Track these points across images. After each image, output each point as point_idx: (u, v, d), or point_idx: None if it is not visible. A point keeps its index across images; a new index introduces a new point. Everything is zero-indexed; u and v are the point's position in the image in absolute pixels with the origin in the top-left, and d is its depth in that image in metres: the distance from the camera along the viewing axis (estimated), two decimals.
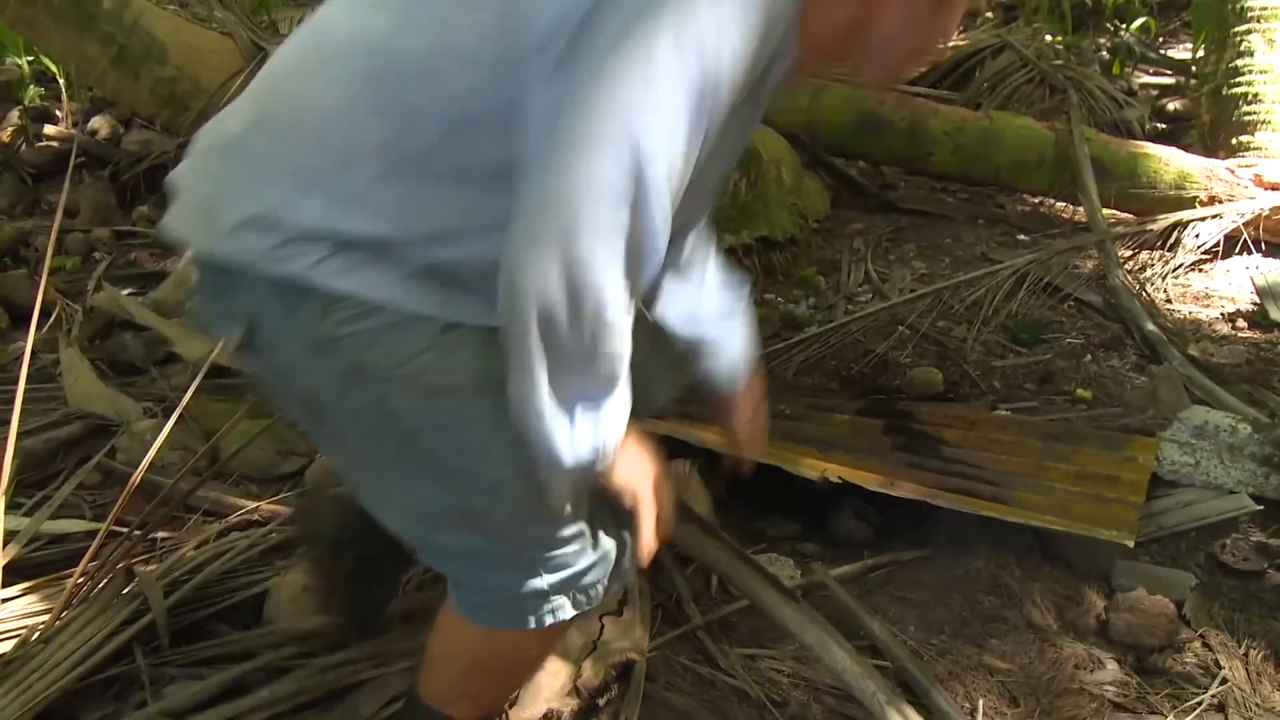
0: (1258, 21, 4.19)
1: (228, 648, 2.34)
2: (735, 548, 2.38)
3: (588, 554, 1.54)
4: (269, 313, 1.34)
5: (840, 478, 2.64)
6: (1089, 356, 3.55)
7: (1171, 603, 2.42)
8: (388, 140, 1.28)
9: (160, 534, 2.73)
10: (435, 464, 1.42)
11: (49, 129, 5.46)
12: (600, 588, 1.60)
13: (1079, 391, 3.33)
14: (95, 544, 2.44)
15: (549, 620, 1.55)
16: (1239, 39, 4.25)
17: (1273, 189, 4.07)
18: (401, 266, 1.29)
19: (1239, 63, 4.25)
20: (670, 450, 2.84)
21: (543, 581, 1.51)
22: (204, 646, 2.33)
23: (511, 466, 1.37)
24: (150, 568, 2.49)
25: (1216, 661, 2.31)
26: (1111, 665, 2.30)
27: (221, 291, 1.38)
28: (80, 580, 2.36)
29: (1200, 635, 2.40)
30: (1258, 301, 3.86)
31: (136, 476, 2.57)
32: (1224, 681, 2.24)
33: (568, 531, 1.49)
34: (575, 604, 1.57)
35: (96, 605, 2.29)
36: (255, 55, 4.87)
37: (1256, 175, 4.10)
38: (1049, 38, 6.36)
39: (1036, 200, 4.71)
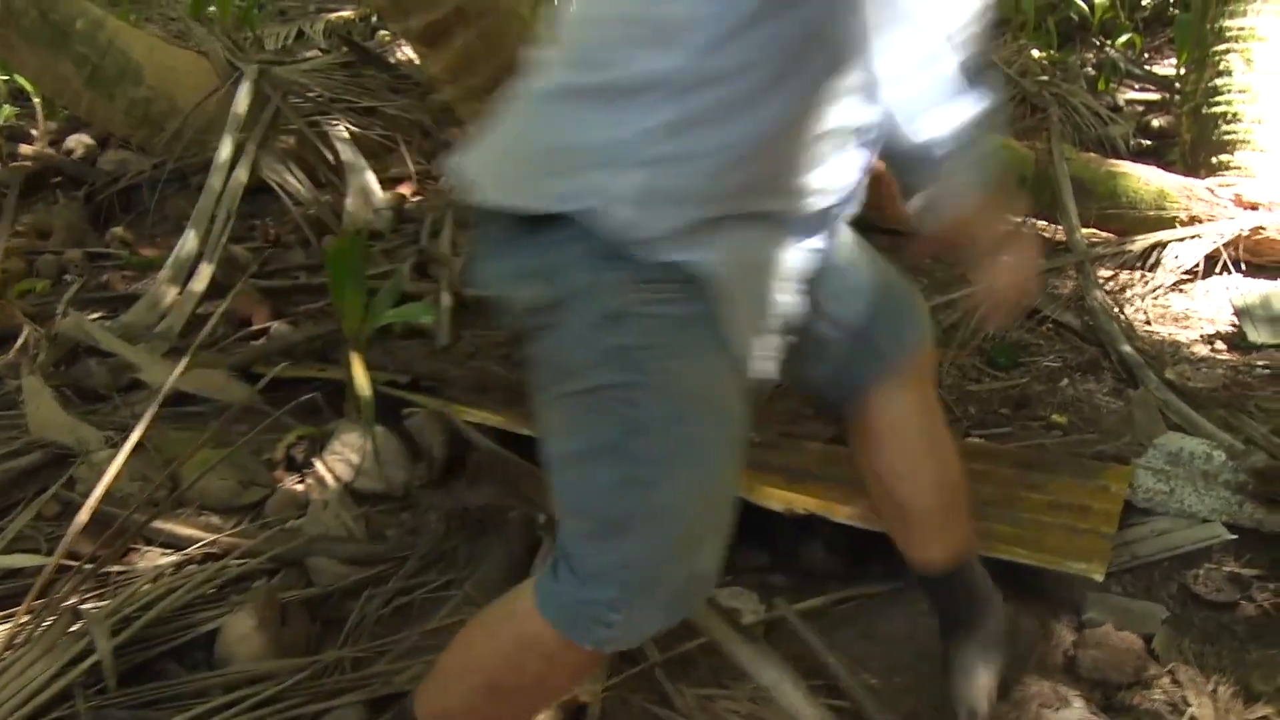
0: (1236, 41, 4.16)
1: (176, 689, 2.30)
2: None
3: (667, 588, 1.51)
4: (574, 275, 1.32)
5: (806, 510, 2.59)
6: (1066, 380, 3.51)
7: (1140, 638, 2.38)
8: None
9: (115, 568, 2.69)
10: (642, 458, 1.41)
11: (24, 148, 5.43)
12: (644, 630, 1.60)
13: (1054, 417, 3.28)
14: (41, 580, 2.39)
15: (598, 641, 1.53)
16: (1218, 58, 4.22)
17: (1252, 209, 4.02)
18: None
19: (1218, 82, 4.22)
20: None
21: (618, 594, 1.48)
22: (151, 688, 2.28)
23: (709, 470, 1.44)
24: (99, 606, 2.44)
25: (1185, 699, 2.26)
26: (1078, 703, 2.24)
27: (526, 250, 1.35)
28: (25, 619, 2.32)
29: (1169, 671, 2.35)
30: (1236, 323, 3.82)
31: (86, 509, 2.52)
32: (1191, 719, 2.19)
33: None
34: (624, 635, 1.56)
35: (40, 646, 2.25)
36: (231, 75, 4.83)
37: (1236, 195, 4.06)
38: (1035, 54, 6.33)
39: (1018, 220, 4.66)
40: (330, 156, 4.84)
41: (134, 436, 2.68)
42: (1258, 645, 2.45)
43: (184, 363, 3.31)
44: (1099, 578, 2.38)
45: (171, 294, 4.09)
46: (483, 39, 2.84)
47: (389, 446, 3.01)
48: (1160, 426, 3.11)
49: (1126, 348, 3.50)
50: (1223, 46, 4.19)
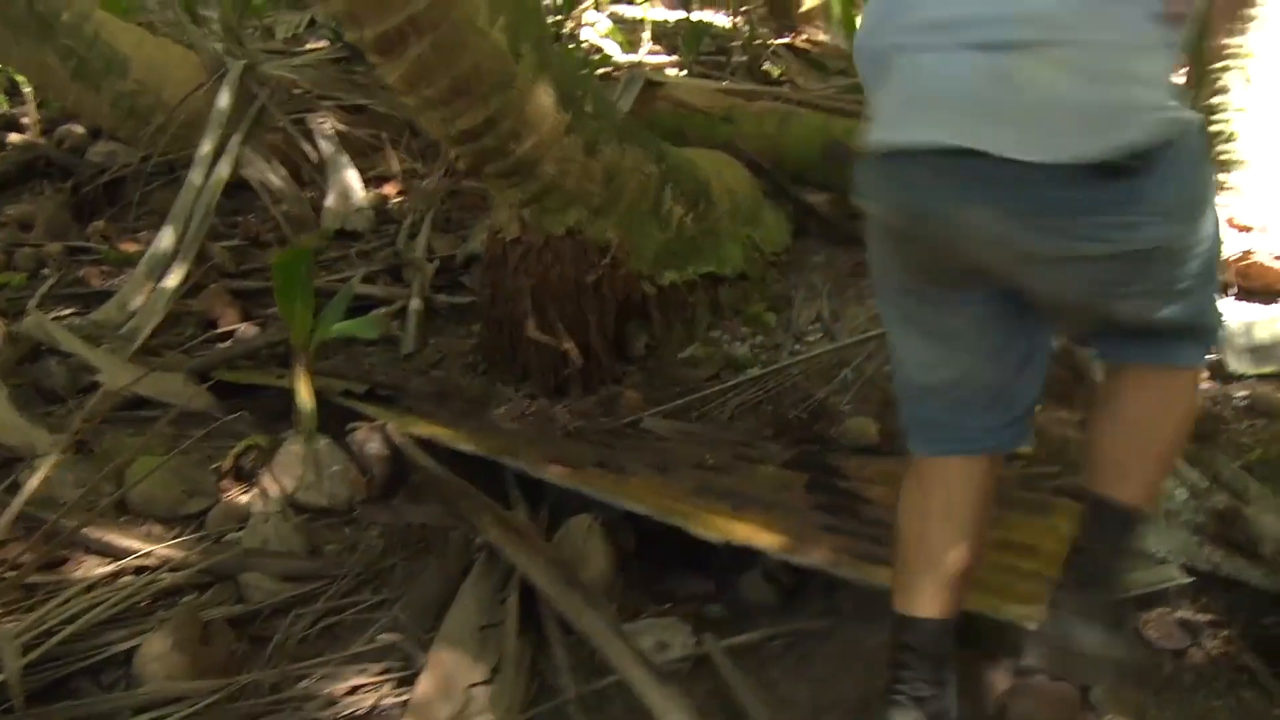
0: (1234, 59, 4.03)
1: (86, 709, 2.26)
2: (610, 621, 2.28)
3: None
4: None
5: (743, 543, 2.53)
6: (1036, 407, 3.41)
7: (1076, 689, 2.29)
8: None
9: (46, 577, 2.66)
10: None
11: (14, 137, 5.42)
12: None
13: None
14: None
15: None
16: (1216, 76, 4.09)
17: (1244, 231, 3.91)
18: None
19: (1215, 100, 4.09)
20: (575, 506, 2.76)
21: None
22: (60, 708, 2.25)
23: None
24: (18, 619, 2.41)
25: None
26: None
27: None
28: None
29: None
30: (1216, 351, 3.71)
31: (9, 514, 2.49)
32: None
33: None
34: None
35: None
36: (219, 69, 4.79)
37: (1229, 217, 3.94)
38: None
39: None
40: (314, 154, 4.80)
41: (66, 438, 2.64)
42: (1202, 696, 2.37)
43: (134, 368, 3.29)
44: (1033, 626, 2.30)
45: (144, 292, 4.06)
46: (437, 49, 2.78)
47: (334, 460, 2.96)
48: None
49: (1099, 375, 3.39)
50: (1220, 64, 4.07)
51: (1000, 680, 2.36)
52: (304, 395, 2.88)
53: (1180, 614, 2.57)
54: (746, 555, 2.67)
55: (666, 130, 4.62)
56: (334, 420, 3.32)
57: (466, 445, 2.94)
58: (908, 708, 2.01)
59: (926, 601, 1.95)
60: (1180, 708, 2.33)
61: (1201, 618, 2.56)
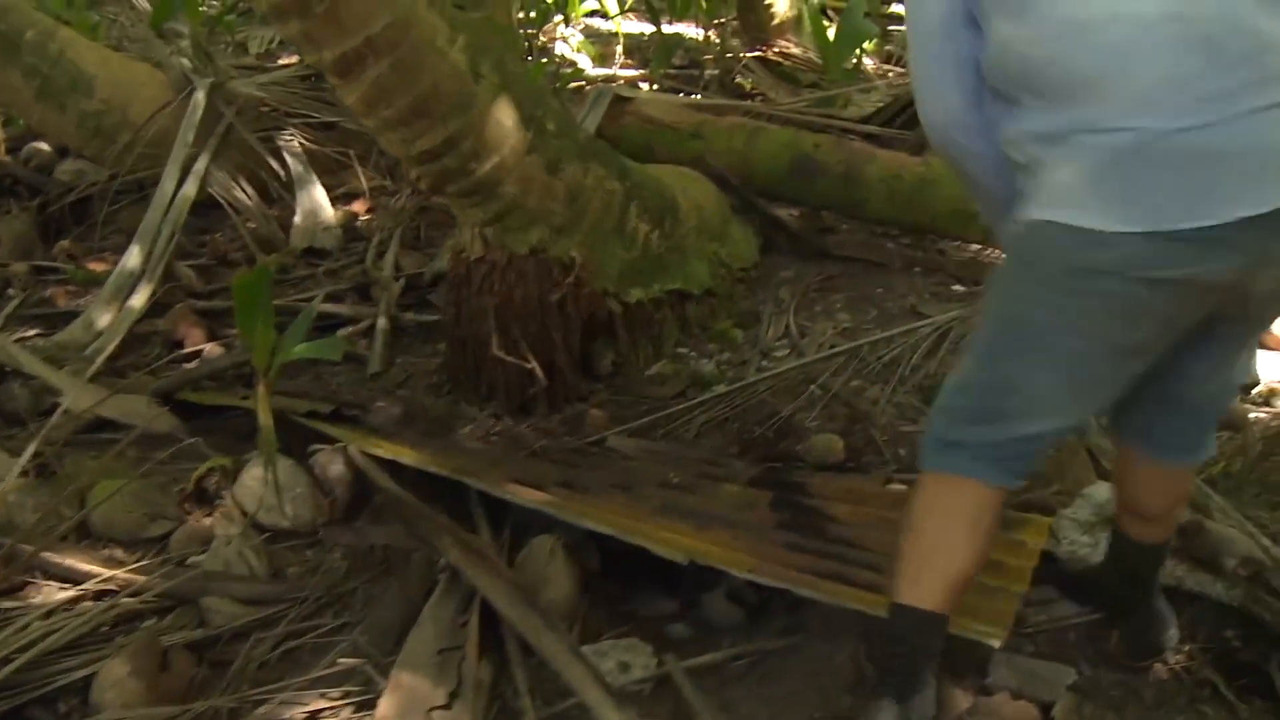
0: None
1: None
2: (569, 643, 2.27)
3: None
4: None
5: (707, 562, 2.53)
6: None
7: (1038, 707, 2.30)
8: None
9: (3, 604, 2.63)
10: None
11: None
12: None
13: None
14: None
15: None
16: None
17: None
18: None
19: None
20: (539, 527, 2.75)
21: None
22: None
23: None
24: None
25: None
26: None
27: None
28: None
29: None
30: None
31: None
32: None
33: None
34: None
35: None
36: (186, 87, 4.77)
37: None
38: None
39: (978, 247, 4.57)
40: (282, 172, 4.79)
41: (20, 463, 2.62)
42: (1163, 713, 2.37)
43: (96, 390, 3.26)
44: (996, 644, 2.30)
45: (111, 312, 4.04)
46: (396, 70, 2.78)
47: (297, 482, 2.95)
48: (1090, 474, 3.03)
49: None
50: None
51: (961, 699, 2.36)
52: (265, 417, 2.85)
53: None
54: (711, 574, 2.67)
55: (635, 146, 4.63)
56: (299, 441, 3.30)
57: (429, 465, 2.92)
58: (893, 704, 2.03)
59: (931, 595, 1.99)
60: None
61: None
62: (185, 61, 5.00)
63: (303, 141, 4.91)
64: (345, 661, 2.43)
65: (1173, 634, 2.47)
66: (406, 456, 2.97)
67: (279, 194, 4.81)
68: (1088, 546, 2.75)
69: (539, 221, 3.32)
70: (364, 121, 3.02)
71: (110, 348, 3.81)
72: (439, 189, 3.19)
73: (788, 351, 3.80)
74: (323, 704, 2.34)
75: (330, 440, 3.10)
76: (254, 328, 2.87)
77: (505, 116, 3.07)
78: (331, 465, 2.94)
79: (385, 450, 2.98)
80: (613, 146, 4.36)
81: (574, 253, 3.40)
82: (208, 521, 2.99)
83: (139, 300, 4.04)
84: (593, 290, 3.47)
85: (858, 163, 4.40)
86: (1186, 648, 2.52)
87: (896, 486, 3.06)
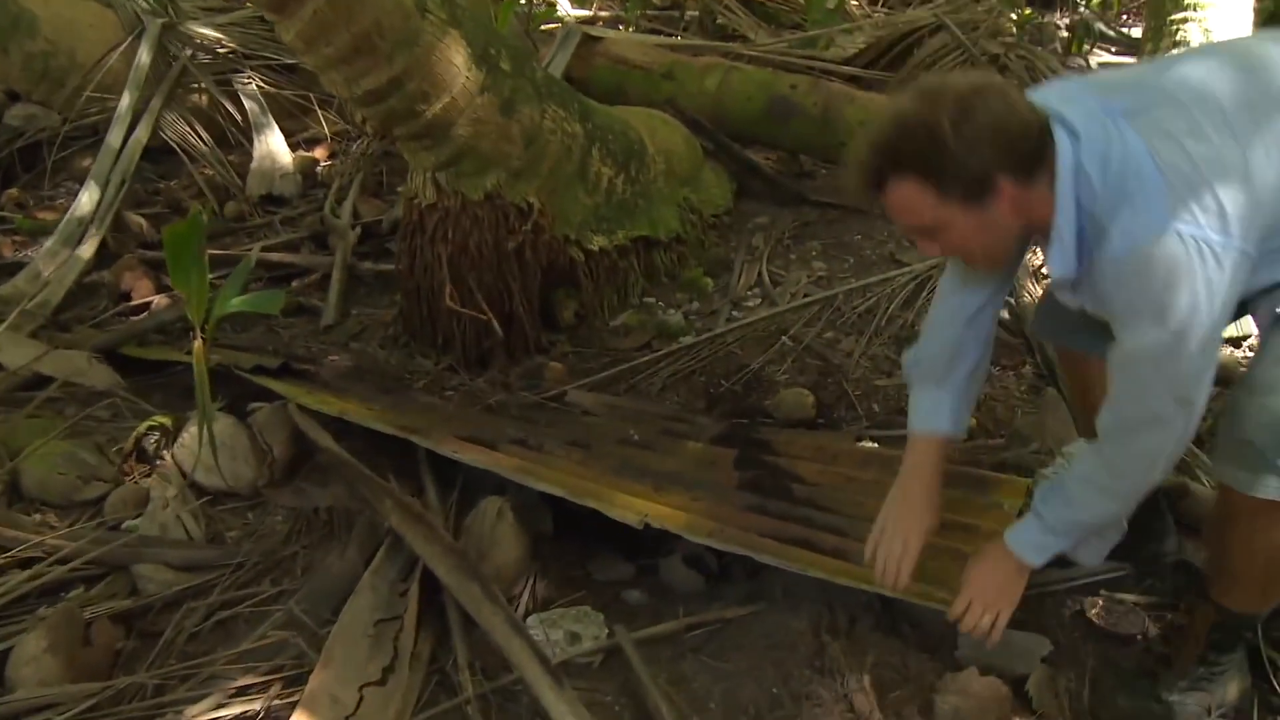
0: (1194, 10, 3.88)
1: None
2: (508, 615, 2.14)
3: None
4: None
5: (661, 525, 2.39)
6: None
7: (1009, 682, 2.17)
8: None
9: None
10: None
11: None
12: None
13: None
14: None
15: None
16: (1175, 28, 3.95)
17: None
18: None
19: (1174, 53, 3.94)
20: (490, 486, 2.61)
21: None
22: None
23: None
24: None
25: None
26: None
27: None
28: None
29: (1038, 717, 2.14)
30: None
31: None
32: None
33: None
34: None
35: None
36: (136, 27, 4.57)
37: None
38: (1014, 15, 6.03)
39: None
40: (239, 116, 4.60)
41: None
42: (1143, 685, 2.25)
43: (35, 345, 3.10)
44: None
45: (58, 263, 3.87)
46: (334, 5, 2.61)
47: (237, 441, 2.80)
48: (1072, 431, 2.88)
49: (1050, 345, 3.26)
50: (1180, 15, 3.92)
51: (929, 671, 2.23)
52: (201, 373, 2.70)
53: (1130, 597, 2.44)
54: (669, 539, 2.54)
55: (606, 88, 4.45)
56: (248, 397, 3.16)
57: (375, 423, 2.78)
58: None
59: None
60: (1112, 703, 2.21)
61: (1147, 599, 2.44)
62: (140, 0, 4.78)
63: (261, 84, 4.71)
64: (277, 634, 2.29)
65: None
66: (353, 413, 2.82)
67: (236, 139, 4.61)
68: None
69: (494, 166, 3.15)
70: (303, 60, 2.85)
71: (55, 300, 3.65)
72: (387, 132, 3.02)
73: (759, 301, 3.65)
74: (251, 679, 2.20)
75: (273, 397, 2.95)
76: (188, 280, 2.71)
77: (454, 55, 2.89)
78: (268, 425, 2.79)
79: (331, 406, 2.84)
80: (583, 89, 4.18)
81: (532, 198, 3.23)
82: (147, 483, 2.85)
83: (87, 250, 3.87)
84: (553, 237, 3.31)
85: (836, 104, 4.22)
86: (1170, 615, 2.39)
87: (867, 444, 2.93)
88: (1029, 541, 2.03)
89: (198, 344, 2.74)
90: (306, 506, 2.72)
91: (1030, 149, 1.68)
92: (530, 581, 2.52)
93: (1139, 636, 2.37)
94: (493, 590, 2.20)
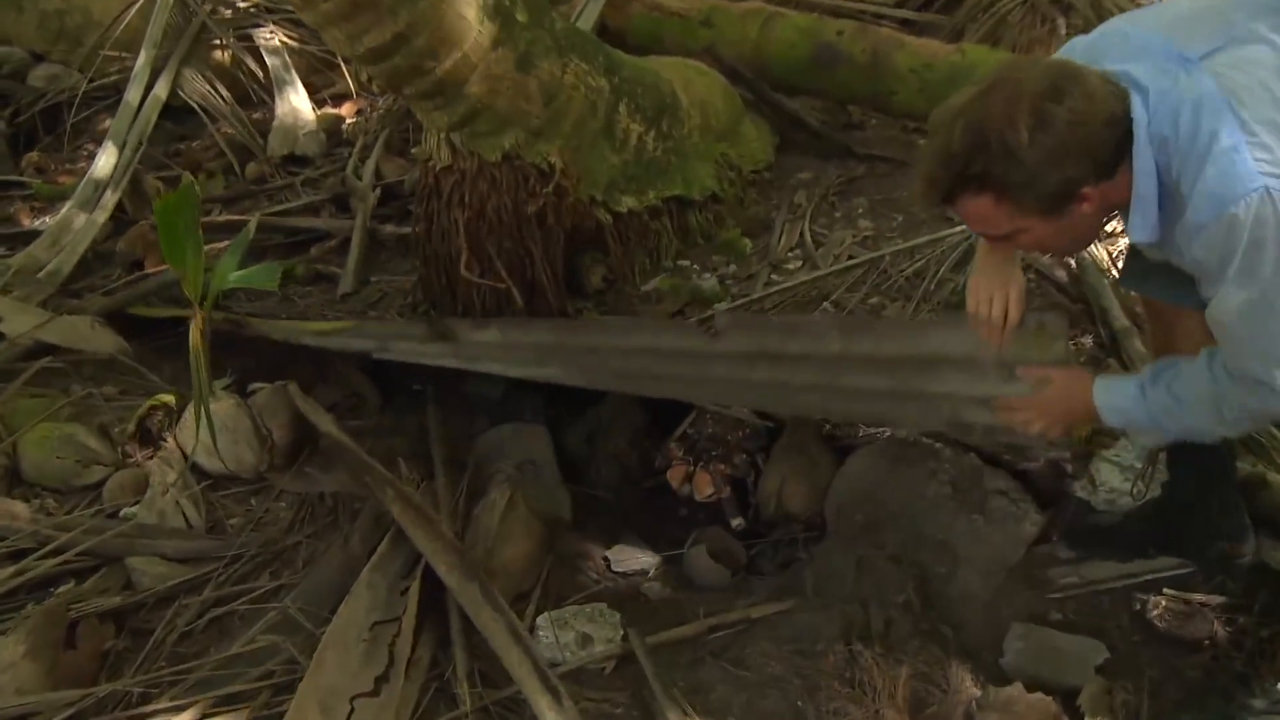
0: None
1: None
2: (509, 621, 1.97)
3: None
4: None
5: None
6: None
7: (1057, 700, 1.97)
8: None
9: None
10: None
11: None
12: None
13: None
14: None
15: None
16: None
17: None
18: None
19: None
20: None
21: None
22: None
23: None
24: None
25: None
26: None
27: None
28: None
29: None
30: None
31: None
32: None
33: None
34: None
35: None
36: None
37: None
38: None
39: None
40: (261, 73, 4.43)
41: None
42: (1208, 698, 2.03)
43: (39, 313, 2.98)
44: None
45: (74, 231, 3.74)
46: None
47: (240, 423, 2.66)
48: None
49: (1115, 311, 2.99)
50: None
51: (970, 683, 2.04)
52: (197, 353, 2.55)
53: (1193, 596, 2.22)
54: (696, 520, 2.38)
55: (643, 37, 4.21)
56: (261, 373, 3.02)
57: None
58: None
59: None
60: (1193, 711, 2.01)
61: (1215, 599, 2.21)
62: None
63: (284, 39, 4.53)
64: (266, 639, 2.14)
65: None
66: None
67: (259, 97, 4.45)
68: (1128, 496, 2.39)
69: (512, 124, 2.95)
70: (302, 16, 2.66)
71: (66, 269, 3.52)
72: (395, 91, 2.83)
73: (801, 264, 3.41)
74: (240, 686, 2.06)
75: (282, 375, 2.80)
76: (183, 255, 2.56)
77: (465, 7, 2.68)
78: (268, 408, 2.64)
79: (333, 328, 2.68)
80: (618, 39, 3.95)
81: (553, 158, 3.02)
82: (151, 465, 2.71)
83: (102, 214, 3.74)
84: (577, 199, 3.10)
85: (885, 51, 3.94)
86: (1240, 620, 2.16)
87: None
88: (1116, 404, 1.84)
89: (195, 322, 2.59)
90: (312, 492, 2.58)
91: (1114, 141, 1.53)
92: (543, 575, 2.36)
93: (1207, 642, 2.15)
94: (493, 593, 2.04)
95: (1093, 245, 3.20)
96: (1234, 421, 1.73)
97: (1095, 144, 1.51)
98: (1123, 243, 3.08)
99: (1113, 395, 1.84)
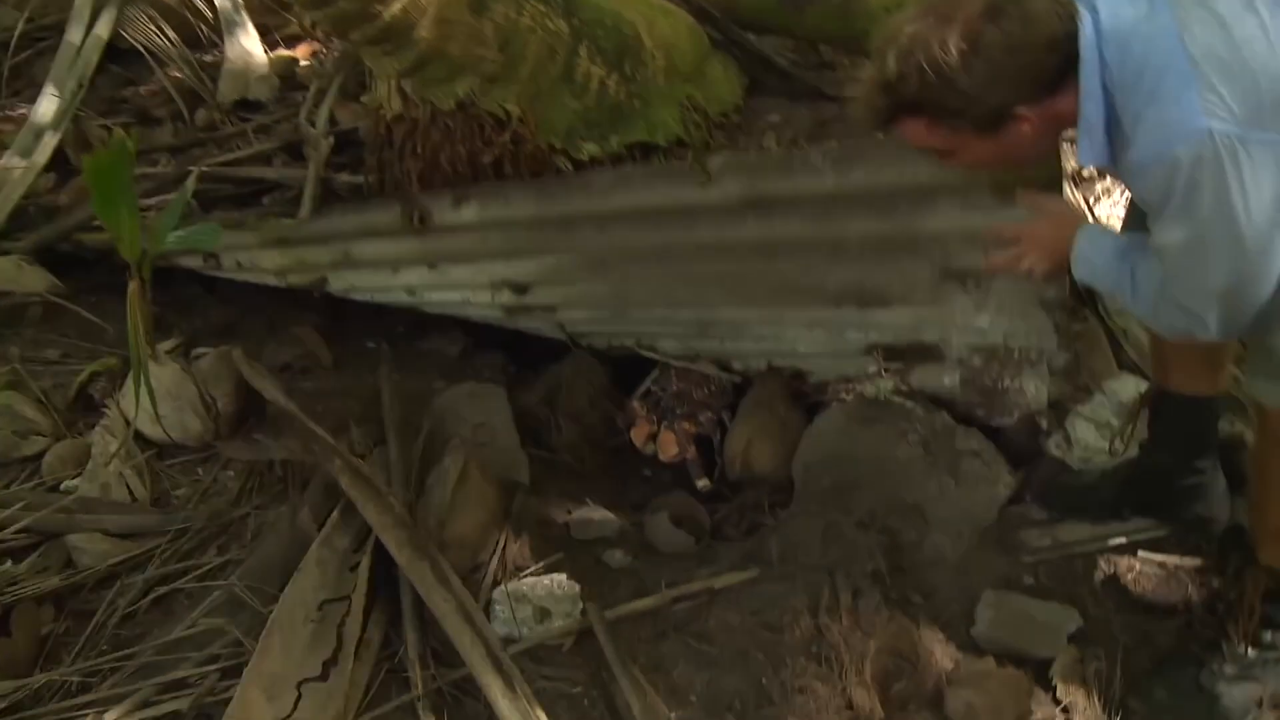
0: None
1: None
2: (461, 601, 1.89)
3: None
4: None
5: None
6: None
7: (1029, 673, 1.91)
8: None
9: None
10: None
11: None
12: None
13: None
14: None
15: None
16: None
17: None
18: None
19: None
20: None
21: None
22: None
23: None
24: None
25: None
26: None
27: None
28: None
29: (1063, 709, 1.89)
30: None
31: None
32: None
33: None
34: None
35: None
36: None
37: None
38: None
39: None
40: (209, 13, 4.24)
41: None
42: (1177, 665, 1.98)
43: None
44: None
45: (14, 178, 3.59)
46: None
47: (185, 390, 2.55)
48: (1111, 366, 2.57)
49: None
50: None
51: (943, 654, 1.98)
52: (135, 318, 2.44)
53: (1169, 559, 2.16)
54: (660, 487, 2.31)
55: None
56: (209, 333, 2.92)
57: None
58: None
59: None
60: (1148, 686, 1.97)
61: (1189, 562, 2.16)
62: None
63: None
64: (207, 622, 2.05)
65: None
66: None
67: (209, 39, 4.27)
68: (1105, 454, 2.32)
69: (466, 70, 2.81)
70: None
71: (4, 214, 3.37)
72: (341, 37, 2.68)
73: None
74: (184, 672, 1.98)
75: (235, 336, 2.69)
76: (118, 215, 2.43)
77: None
78: (212, 374, 2.53)
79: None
80: None
81: (510, 105, 2.89)
82: (94, 435, 2.61)
83: (42, 155, 3.58)
84: (536, 147, 2.96)
85: None
86: (1215, 583, 2.11)
87: None
88: (1089, 255, 1.77)
89: (133, 286, 2.47)
90: (261, 459, 2.48)
91: (1054, 65, 1.50)
92: (501, 545, 2.28)
93: (1180, 607, 2.10)
94: (444, 571, 1.96)
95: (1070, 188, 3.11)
96: (1167, 329, 1.73)
97: (1033, 67, 1.50)
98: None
99: (1092, 246, 1.77)
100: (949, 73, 1.48)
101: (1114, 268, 1.72)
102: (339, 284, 2.87)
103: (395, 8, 2.59)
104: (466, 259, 2.76)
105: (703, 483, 2.55)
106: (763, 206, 2.38)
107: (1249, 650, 1.91)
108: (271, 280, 2.96)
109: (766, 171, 2.33)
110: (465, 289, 2.80)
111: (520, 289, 2.76)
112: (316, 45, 4.34)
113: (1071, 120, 1.55)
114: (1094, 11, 1.48)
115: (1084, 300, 2.76)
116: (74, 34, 3.89)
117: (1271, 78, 1.40)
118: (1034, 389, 2.43)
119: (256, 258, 2.97)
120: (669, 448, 2.60)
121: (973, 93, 1.49)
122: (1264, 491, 1.86)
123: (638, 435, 2.63)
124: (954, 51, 1.46)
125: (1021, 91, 1.51)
